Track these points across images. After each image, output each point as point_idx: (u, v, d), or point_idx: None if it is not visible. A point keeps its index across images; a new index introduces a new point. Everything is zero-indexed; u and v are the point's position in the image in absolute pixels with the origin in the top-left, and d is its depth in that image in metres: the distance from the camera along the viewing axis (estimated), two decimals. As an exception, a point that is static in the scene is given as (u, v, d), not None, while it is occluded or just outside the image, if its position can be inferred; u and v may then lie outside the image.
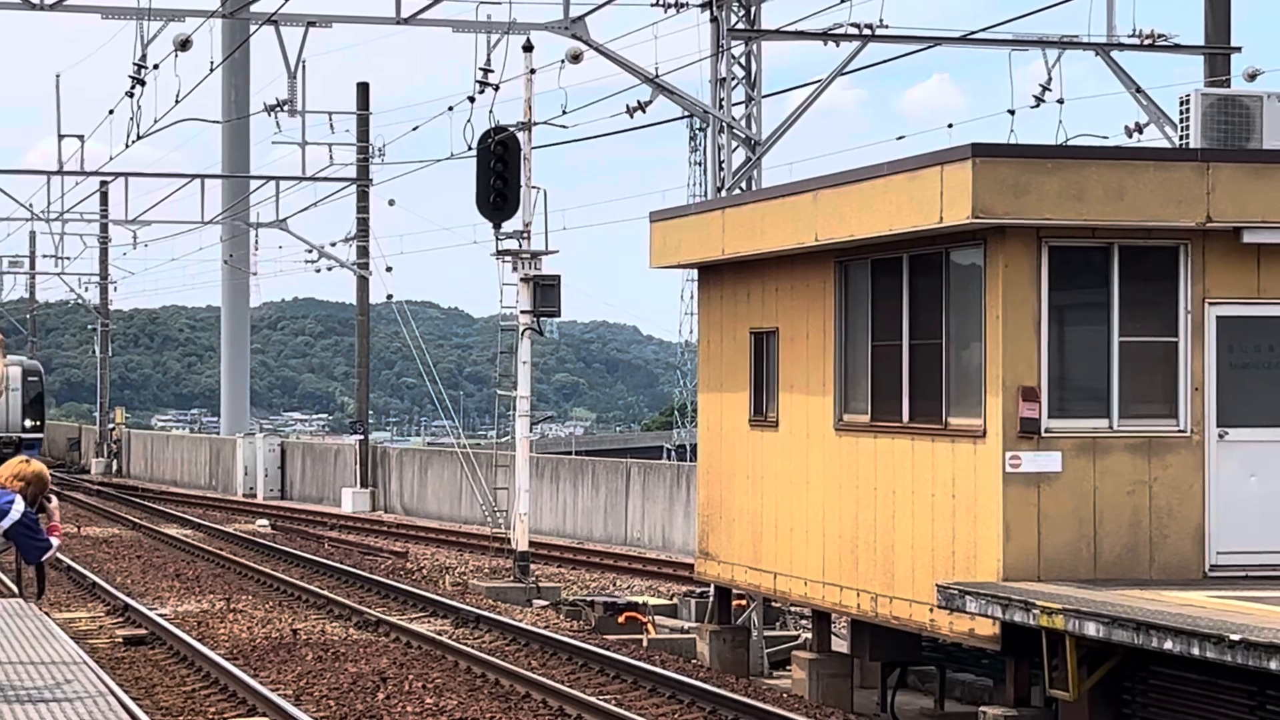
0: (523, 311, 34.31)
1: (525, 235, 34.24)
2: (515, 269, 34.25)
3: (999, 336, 17.88)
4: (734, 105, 28.45)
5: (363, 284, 62.13)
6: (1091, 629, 15.62)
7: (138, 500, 60.83)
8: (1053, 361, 17.99)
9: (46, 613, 20.96)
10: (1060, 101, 30.33)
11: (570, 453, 77.82)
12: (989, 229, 17.90)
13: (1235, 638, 14.16)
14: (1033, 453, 17.83)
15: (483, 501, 45.52)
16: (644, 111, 30.69)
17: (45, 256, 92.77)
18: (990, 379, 17.98)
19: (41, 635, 18.12)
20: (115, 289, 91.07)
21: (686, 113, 31.43)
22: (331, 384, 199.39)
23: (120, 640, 26.54)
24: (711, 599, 25.55)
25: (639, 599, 30.67)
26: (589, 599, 30.52)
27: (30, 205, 66.41)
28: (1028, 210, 17.61)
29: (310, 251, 63.74)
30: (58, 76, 62.44)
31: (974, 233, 18.14)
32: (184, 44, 35.17)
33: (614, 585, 35.60)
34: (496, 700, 21.49)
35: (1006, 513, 17.78)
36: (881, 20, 29.34)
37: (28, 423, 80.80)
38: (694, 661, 25.07)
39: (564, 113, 34.07)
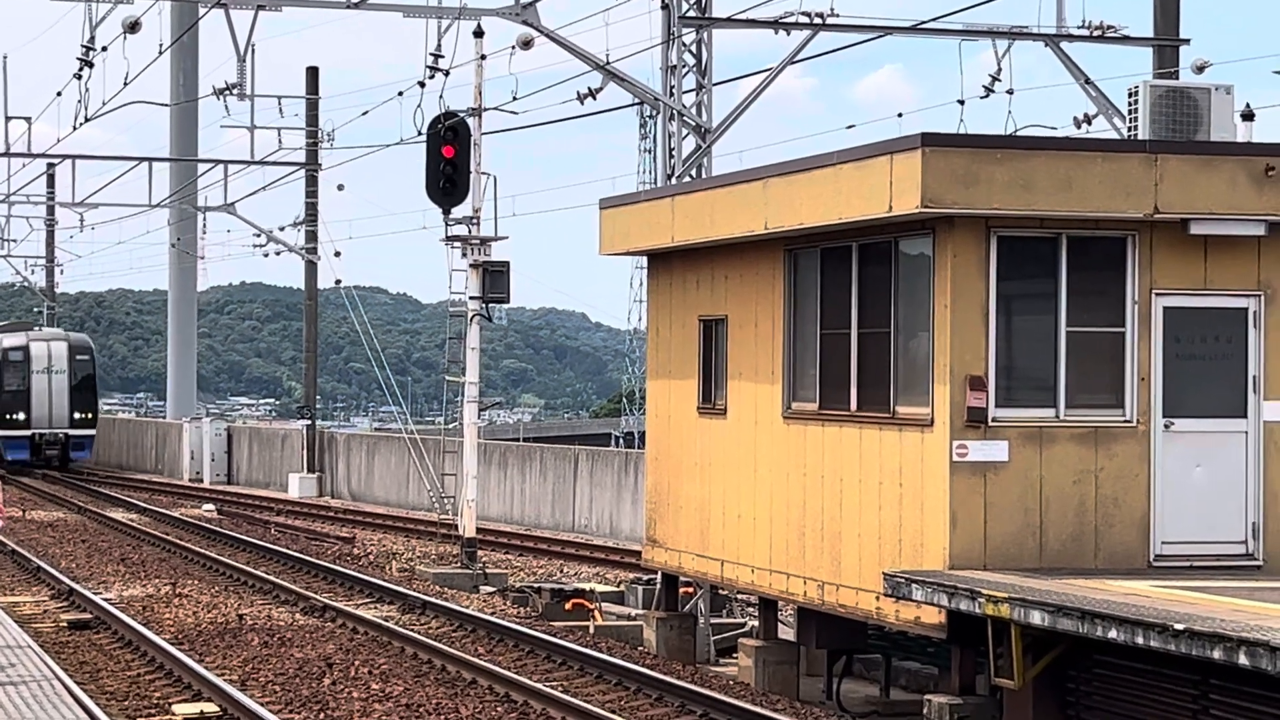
0: (472, 297, 34.27)
1: (475, 221, 34.19)
2: (464, 255, 34.20)
3: (947, 326, 17.93)
4: (685, 93, 28.45)
5: (311, 269, 61.94)
6: (1037, 618, 15.69)
7: (83, 484, 60.57)
8: (1000, 351, 18.05)
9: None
10: (1010, 92, 30.45)
11: (518, 439, 77.73)
12: (938, 218, 17.95)
13: (1179, 627, 14.24)
14: (980, 442, 17.89)
15: (430, 487, 45.46)
16: (594, 99, 30.67)
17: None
18: (938, 368, 18.03)
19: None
20: (62, 272, 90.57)
21: (637, 100, 31.41)
22: (279, 369, 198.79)
23: (65, 625, 26.44)
24: (658, 586, 25.57)
25: (586, 586, 30.68)
26: (536, 586, 30.51)
27: (-24, 187, 65.99)
28: (976, 200, 17.66)
29: (258, 236, 63.53)
30: (4, 57, 61.95)
31: (923, 222, 18.18)
32: (133, 26, 35.02)
33: (561, 572, 35.60)
34: (443, 686, 21.48)
35: (953, 501, 17.84)
36: (832, 9, 29.39)
37: (76, 414, 68.93)
38: (640, 649, 25.10)
39: (515, 99, 34.04)
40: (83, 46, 37.74)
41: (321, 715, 19.64)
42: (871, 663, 22.19)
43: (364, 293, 61.86)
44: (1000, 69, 30.32)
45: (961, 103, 30.97)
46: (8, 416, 68.19)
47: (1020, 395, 18.10)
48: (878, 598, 18.71)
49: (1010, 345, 18.12)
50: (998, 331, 18.02)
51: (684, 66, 28.45)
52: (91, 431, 69.49)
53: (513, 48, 31.75)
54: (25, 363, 68.39)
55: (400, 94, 40.36)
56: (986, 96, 30.60)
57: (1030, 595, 15.93)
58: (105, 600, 28.60)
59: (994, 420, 17.95)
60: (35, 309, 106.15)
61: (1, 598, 28.86)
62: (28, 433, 68.01)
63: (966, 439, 17.89)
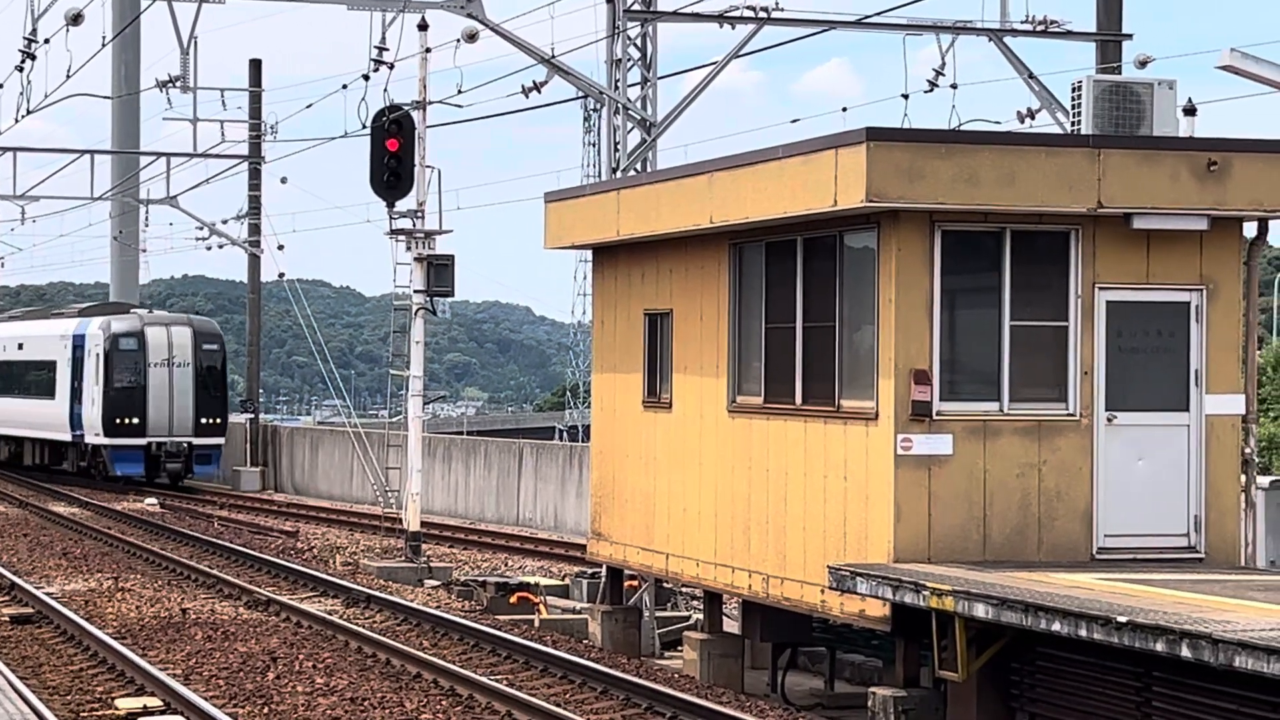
0: (416, 291, 34.22)
1: (419, 215, 34.13)
2: (409, 248, 34.14)
3: (891, 320, 17.98)
4: (630, 86, 28.45)
5: (254, 262, 61.74)
6: (981, 610, 15.75)
7: (24, 478, 60.23)
8: (944, 345, 18.09)
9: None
10: (954, 86, 30.54)
11: (462, 433, 77.56)
12: (882, 212, 17.99)
13: (1122, 619, 14.32)
14: (924, 435, 17.95)
15: (374, 481, 45.36)
16: (539, 92, 30.65)
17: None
18: (883, 362, 18.08)
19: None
20: (2, 265, 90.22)
21: (582, 93, 31.40)
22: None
23: (6, 619, 26.30)
24: (603, 580, 25.58)
25: (531, 579, 30.67)
26: (481, 579, 30.49)
27: (-85, 180, 65.46)
28: (921, 194, 17.70)
29: (201, 229, 63.32)
30: (-55, 49, 61.57)
31: (868, 216, 18.22)
32: (75, 19, 34.85)
33: (506, 565, 35.58)
34: (387, 680, 21.44)
35: (898, 494, 17.89)
36: (777, 3, 29.44)
37: (203, 419, 55.92)
38: (586, 642, 25.10)
39: (459, 92, 34.03)
40: (24, 39, 37.55)
41: (266, 709, 19.59)
42: (816, 655, 22.25)
43: (307, 286, 61.78)
44: (944, 64, 30.42)
45: (906, 97, 31.06)
46: (118, 421, 55.08)
47: (964, 389, 18.16)
48: (822, 591, 18.75)
49: (954, 339, 18.17)
50: (942, 325, 18.06)
51: (629, 60, 28.45)
52: (219, 440, 56.22)
53: (457, 41, 31.74)
54: (140, 353, 55.60)
55: (344, 87, 40.32)
56: (931, 91, 30.69)
57: (974, 588, 15.99)
58: (47, 594, 28.46)
59: (938, 414, 18.00)
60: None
61: (-58, 592, 28.68)
62: (142, 441, 54.99)
63: (911, 432, 17.94)
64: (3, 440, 64.77)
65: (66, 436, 58.19)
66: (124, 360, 55.54)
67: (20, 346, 62.91)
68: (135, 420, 55.10)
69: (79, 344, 57.38)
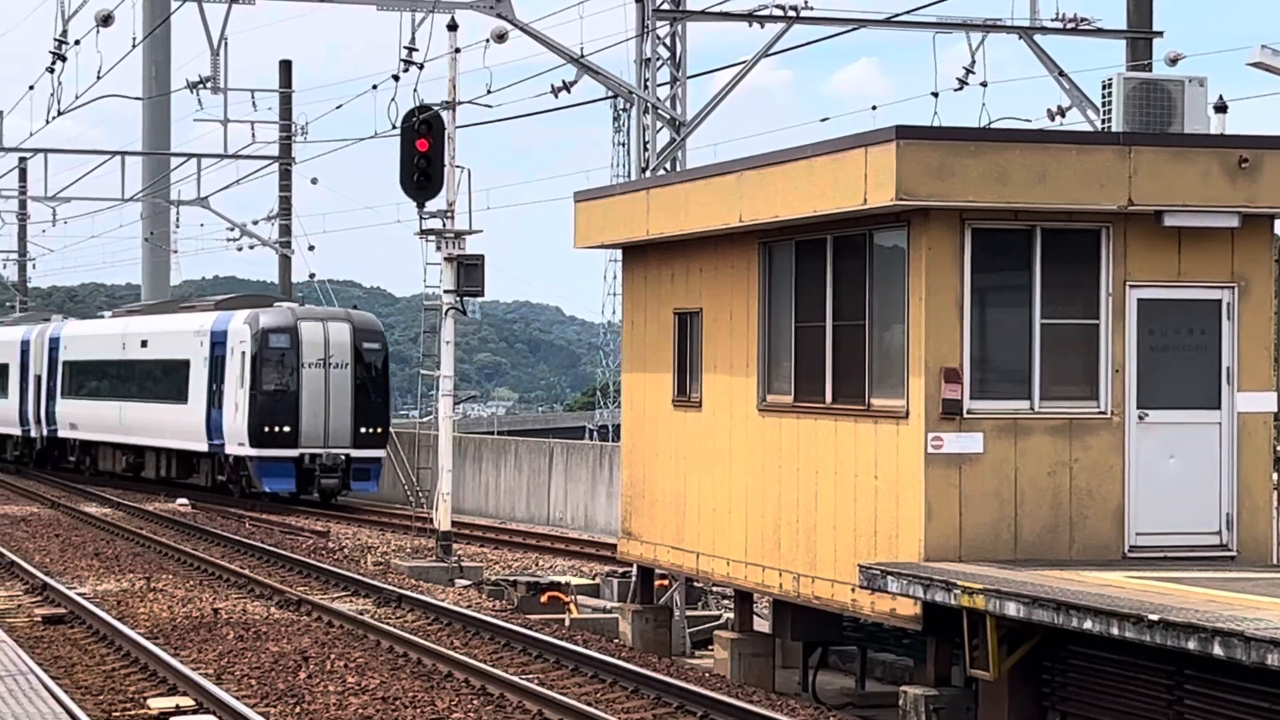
0: (446, 291, 34.27)
1: (449, 215, 34.19)
2: (439, 248, 34.21)
3: (922, 318, 17.96)
4: (659, 86, 28.46)
5: (285, 263, 61.87)
6: (1012, 609, 15.73)
7: (56, 479, 60.42)
8: (975, 343, 18.08)
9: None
10: (984, 84, 30.51)
11: (493, 433, 77.61)
12: (912, 211, 17.97)
13: (1153, 618, 14.29)
14: (955, 434, 17.93)
15: (405, 481, 45.47)
16: (569, 92, 30.72)
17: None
18: (913, 360, 18.06)
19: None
20: (34, 266, 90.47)
21: (611, 93, 31.42)
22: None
23: (39, 619, 26.39)
24: (634, 579, 25.58)
25: (561, 579, 30.69)
26: (511, 579, 30.52)
27: (-54, 182, 65.88)
28: (951, 193, 17.68)
29: (232, 230, 63.49)
30: (-24, 51, 61.82)
31: (898, 215, 18.21)
32: (105, 20, 34.96)
33: (536, 565, 35.60)
34: (418, 679, 21.48)
35: (928, 493, 17.87)
36: (807, 2, 29.42)
37: (363, 428, 48.93)
38: (616, 641, 25.11)
39: (489, 92, 34.07)
40: (55, 40, 37.68)
41: (297, 709, 19.63)
42: (847, 655, 22.23)
43: (338, 286, 61.86)
44: (974, 62, 30.37)
45: (936, 95, 31.02)
46: (266, 430, 48.63)
47: (995, 387, 18.14)
48: (853, 590, 18.74)
49: (985, 337, 18.15)
50: (972, 324, 18.05)
51: (658, 59, 28.46)
52: (380, 453, 49.33)
53: (487, 41, 31.82)
54: (293, 352, 49.14)
55: (374, 87, 40.47)
56: (960, 89, 30.65)
57: (1005, 587, 15.97)
58: (79, 595, 28.55)
59: (969, 412, 17.98)
60: (7, 303, 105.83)
61: (-25, 593, 28.79)
62: (294, 453, 48.63)
63: (942, 431, 17.92)
64: (120, 450, 58.27)
65: (201, 446, 51.47)
66: (274, 360, 48.95)
67: (144, 344, 56.41)
68: (286, 429, 48.47)
69: (218, 341, 50.86)
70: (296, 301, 56.02)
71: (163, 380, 54.35)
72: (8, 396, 67.26)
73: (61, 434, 62.50)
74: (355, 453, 48.80)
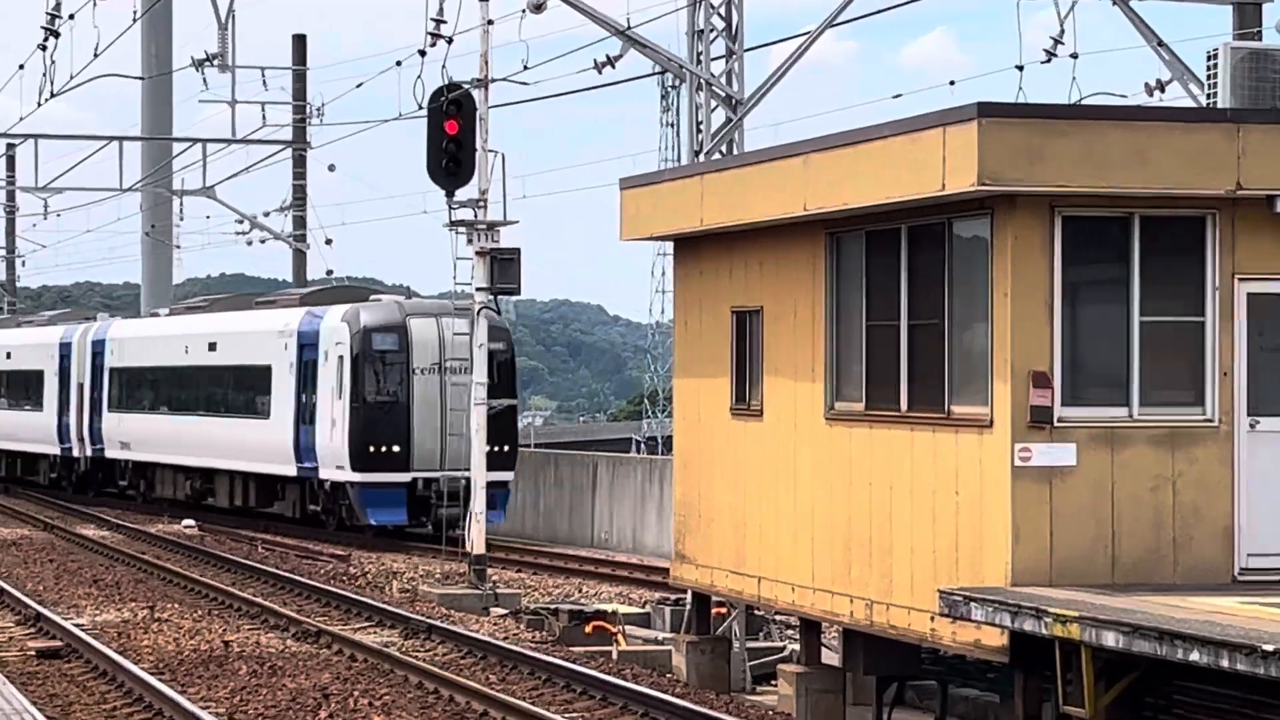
0: (478, 288, 34.34)
1: (481, 204, 34.26)
2: (470, 241, 34.28)
3: (1007, 316, 17.94)
4: (713, 60, 28.48)
5: (299, 258, 62.11)
6: (1110, 639, 15.69)
7: (49, 499, 60.72)
8: (1066, 344, 18.05)
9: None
10: (1074, 56, 30.45)
11: (530, 445, 77.68)
12: (996, 197, 17.96)
13: (1269, 648, 14.24)
14: (1044, 444, 17.89)
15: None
16: (613, 67, 30.80)
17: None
18: (997, 363, 18.04)
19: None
20: (23, 264, 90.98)
21: (660, 69, 31.47)
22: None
23: (33, 653, 26.53)
24: (688, 607, 25.60)
25: (607, 607, 30.73)
26: (552, 607, 30.58)
27: (-73, 170, 66.29)
28: (1039, 177, 17.66)
29: (241, 222, 63.83)
30: (-41, 27, 62.11)
31: (980, 201, 18.19)
32: (102, -9, 35.13)
33: (580, 592, 35.66)
34: (451, 718, 21.52)
35: (1015, 511, 17.84)
36: (876, -34, 29.42)
37: (489, 446, 37.54)
38: (669, 676, 25.14)
39: (525, 68, 34.15)
40: (48, 14, 37.89)
41: (318, 752, 19.71)
42: (926, 690, 22.20)
43: (357, 284, 61.82)
44: (1063, 30, 30.32)
45: (1020, 68, 31.00)
46: (371, 449, 44.02)
47: (1089, 393, 18.11)
48: (932, 618, 18.73)
49: (1077, 337, 18.12)
50: (1063, 322, 18.02)
51: (712, 31, 28.48)
52: (509, 475, 44.44)
53: (523, 11, 31.83)
54: (402, 355, 44.53)
55: (398, 64, 40.66)
56: (1048, 61, 30.61)
57: (1103, 614, 15.94)
58: (77, 626, 28.69)
59: (1060, 420, 17.95)
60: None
61: (-38, 624, 28.95)
62: (405, 478, 44.07)
63: (1030, 441, 17.90)
64: (183, 473, 54.18)
65: (288, 470, 47.16)
66: (380, 365, 44.52)
67: (212, 347, 52.25)
68: (396, 448, 43.94)
69: (308, 342, 46.41)
70: (404, 292, 55.38)
71: (237, 390, 50.62)
72: (42, 409, 63.36)
73: (110, 454, 58.57)
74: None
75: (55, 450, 62.76)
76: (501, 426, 42.10)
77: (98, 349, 59.88)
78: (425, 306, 46.39)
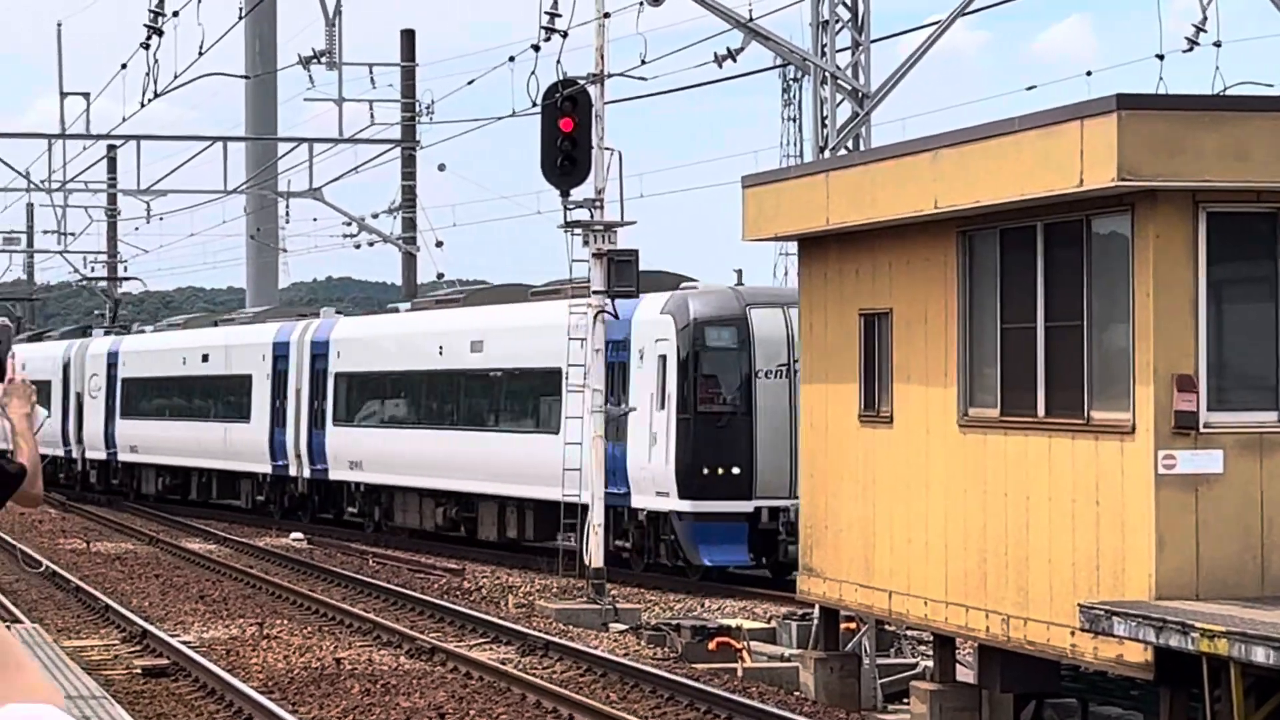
0: (594, 291, 34.38)
1: (597, 204, 34.30)
2: (586, 243, 34.32)
3: (1149, 317, 17.85)
4: (838, 52, 28.45)
5: (409, 261, 62.39)
6: (1260, 655, 15.59)
7: (153, 511, 61.18)
8: (1212, 346, 17.94)
9: (53, 640, 21.22)
10: (1217, 44, 30.26)
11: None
12: (1137, 193, 17.88)
13: None
14: (1189, 451, 17.80)
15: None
16: (734, 60, 30.72)
17: (45, 232, 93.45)
18: (1140, 366, 17.95)
19: (50, 667, 18.31)
20: (125, 268, 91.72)
21: (782, 62, 31.44)
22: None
23: (139, 671, 26.77)
24: (816, 622, 25.58)
25: (732, 622, 30.73)
26: (674, 623, 30.60)
27: (28, 173, 66.98)
28: (1182, 171, 17.57)
29: (348, 224, 64.09)
30: (59, 25, 62.88)
31: (1120, 197, 18.12)
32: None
33: (703, 607, 35.65)
34: (571, 739, 21.59)
35: (1159, 521, 17.75)
36: (1008, -48, 29.32)
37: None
38: (796, 694, 25.13)
39: (642, 63, 34.17)
40: (151, 12, 38.22)
41: (433, 773, 19.81)
42: (1065, 708, 22.09)
43: (470, 287, 61.93)
44: (1205, 18, 30.15)
45: (1160, 58, 30.83)
46: (705, 471, 37.69)
47: (1236, 397, 18.00)
48: (1072, 633, 18.66)
49: (1223, 338, 18.02)
50: (1209, 323, 17.91)
51: (837, 22, 28.45)
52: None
53: (640, 3, 31.87)
54: (742, 355, 38.37)
55: (511, 59, 40.74)
56: (1190, 50, 30.43)
57: (1252, 629, 15.84)
58: (183, 643, 28.93)
59: (1206, 426, 17.84)
60: (96, 311, 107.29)
61: (66, 641, 29.25)
62: (747, 507, 37.57)
63: (1174, 448, 17.80)
64: (436, 499, 47.25)
65: (584, 497, 35.20)
66: (717, 367, 38.32)
67: (476, 347, 45.53)
68: (736, 470, 37.62)
69: (615, 339, 37.81)
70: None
71: (511, 400, 44.37)
72: (249, 421, 56.94)
73: (336, 475, 52.05)
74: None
75: (265, 469, 56.08)
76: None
77: (319, 350, 53.22)
78: (767, 294, 39.94)
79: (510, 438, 43.59)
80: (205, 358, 60.27)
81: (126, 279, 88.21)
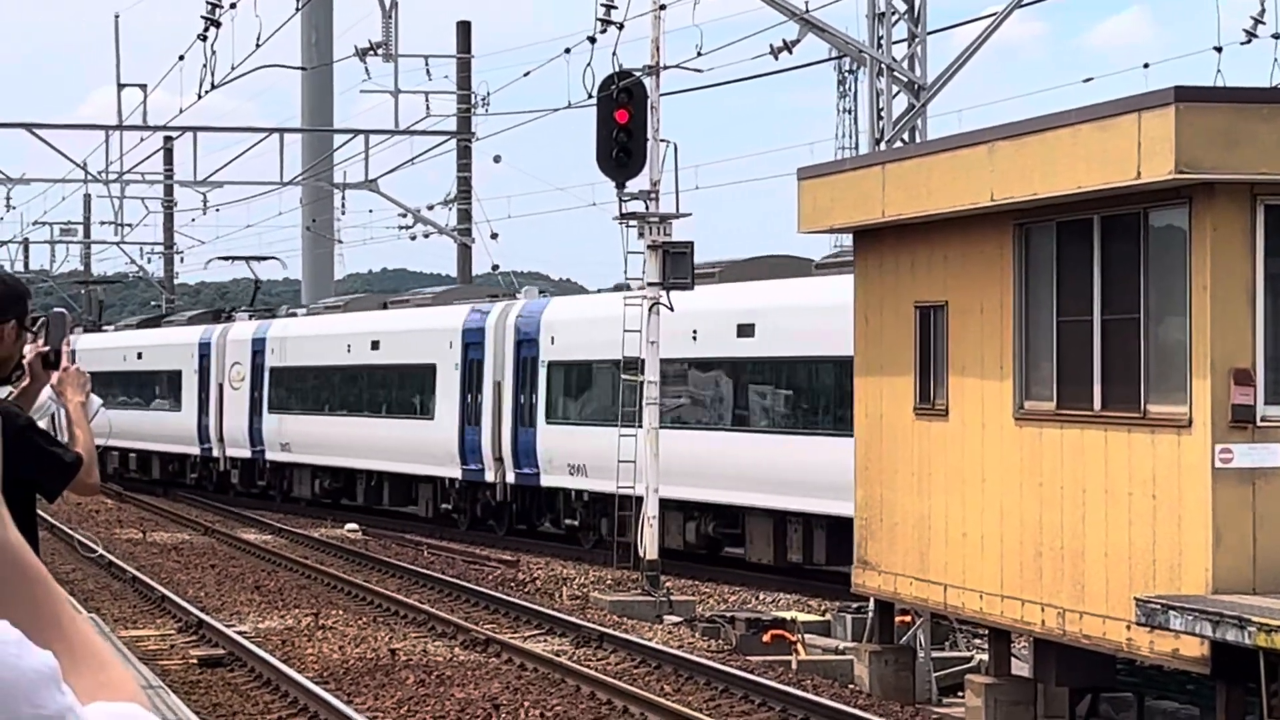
0: (650, 283, 34.38)
1: (653, 196, 34.30)
2: (641, 235, 34.32)
3: (1206, 310, 17.80)
4: (894, 44, 28.41)
5: (464, 252, 62.47)
6: (1317, 650, 15.54)
7: (208, 501, 61.35)
8: (1270, 339, 17.89)
9: (108, 630, 21.33)
10: (1276, 36, 30.13)
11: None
12: (1195, 186, 17.83)
13: None
14: (1247, 445, 17.75)
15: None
16: (790, 52, 30.71)
17: (102, 223, 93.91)
18: (1196, 359, 17.90)
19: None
20: (181, 259, 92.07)
21: (838, 53, 31.42)
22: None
23: (195, 661, 26.88)
24: (871, 615, 25.56)
25: (786, 615, 30.73)
26: (729, 615, 30.60)
27: (85, 165, 67.12)
28: (1241, 164, 17.52)
29: (404, 216, 64.13)
30: (116, 17, 63.06)
31: (1177, 190, 18.07)
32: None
33: (757, 599, 35.65)
34: (625, 731, 21.61)
35: (1216, 515, 17.70)
36: (1065, -57, 29.24)
37: None
38: (851, 687, 25.11)
39: (698, 54, 34.17)
40: (208, 4, 38.33)
41: (487, 764, 19.85)
42: (1121, 702, 22.06)
43: (524, 279, 61.77)
44: (1264, 10, 30.03)
45: (1219, 50, 30.70)
46: None
47: (1294, 390, 17.93)
48: (1128, 627, 18.61)
49: (1281, 332, 17.96)
50: (1266, 316, 17.86)
51: (893, 13, 28.41)
52: None
53: (695, -4, 31.84)
54: None
55: (567, 51, 40.76)
56: (1248, 42, 30.31)
57: (1309, 623, 15.78)
58: (239, 633, 29.03)
59: (1263, 420, 17.79)
60: (153, 302, 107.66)
61: (123, 631, 29.37)
62: None
63: (1231, 442, 17.75)
64: (683, 510, 39.75)
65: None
66: None
67: (744, 331, 38.27)
68: None
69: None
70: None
71: (783, 393, 37.61)
72: (432, 418, 49.92)
73: (549, 481, 44.76)
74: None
75: (453, 473, 49.19)
76: None
77: (525, 335, 45.88)
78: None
79: (788, 441, 36.72)
80: (375, 344, 53.52)
81: (267, 258, 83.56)
